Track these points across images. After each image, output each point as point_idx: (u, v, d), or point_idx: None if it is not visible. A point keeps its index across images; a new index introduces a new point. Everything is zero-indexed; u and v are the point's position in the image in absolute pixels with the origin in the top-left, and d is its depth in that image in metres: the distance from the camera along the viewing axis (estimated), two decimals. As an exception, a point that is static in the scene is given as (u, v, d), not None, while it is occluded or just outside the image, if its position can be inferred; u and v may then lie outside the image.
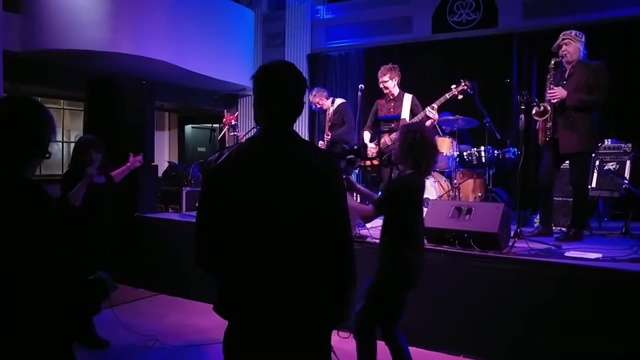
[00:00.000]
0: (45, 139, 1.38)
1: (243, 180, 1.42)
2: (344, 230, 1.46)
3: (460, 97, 4.28)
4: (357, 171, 4.70)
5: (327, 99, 5.31)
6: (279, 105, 1.47)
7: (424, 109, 4.23)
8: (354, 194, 3.04)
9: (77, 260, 1.32)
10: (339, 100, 5.34)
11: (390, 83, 4.36)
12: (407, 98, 4.34)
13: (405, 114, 4.27)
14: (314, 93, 5.31)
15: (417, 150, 2.27)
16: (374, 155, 4.31)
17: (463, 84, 4.22)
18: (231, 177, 1.43)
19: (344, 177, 2.41)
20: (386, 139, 4.24)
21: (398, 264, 2.28)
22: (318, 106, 5.33)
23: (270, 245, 1.40)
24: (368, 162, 4.36)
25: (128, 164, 3.78)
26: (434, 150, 2.36)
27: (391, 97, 4.32)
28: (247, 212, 1.41)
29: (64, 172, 3.51)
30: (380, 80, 4.38)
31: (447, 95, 4.22)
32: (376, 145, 4.31)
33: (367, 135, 4.46)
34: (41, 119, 1.38)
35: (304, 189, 1.41)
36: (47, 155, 1.39)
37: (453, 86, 4.25)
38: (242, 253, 1.42)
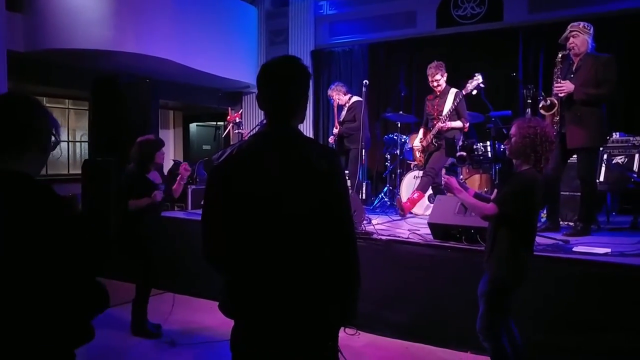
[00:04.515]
0: (40, 132, 1.28)
1: (244, 178, 1.41)
2: (347, 228, 1.45)
3: (474, 92, 4.25)
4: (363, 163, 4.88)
5: (345, 94, 5.39)
6: (278, 102, 1.46)
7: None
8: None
9: (85, 262, 1.26)
10: (355, 98, 5.37)
11: (442, 80, 4.41)
12: (452, 93, 4.37)
13: (446, 109, 4.32)
14: (332, 87, 5.45)
15: (539, 145, 2.19)
16: (421, 152, 4.49)
17: (475, 78, 4.17)
18: (233, 175, 1.43)
19: (452, 177, 2.41)
20: (429, 136, 4.38)
21: (515, 263, 2.24)
22: (335, 101, 5.40)
23: (273, 243, 1.39)
24: (414, 163, 4.59)
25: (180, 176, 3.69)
26: (552, 146, 2.28)
27: (438, 94, 4.35)
28: (249, 209, 1.40)
29: (126, 170, 3.47)
30: (432, 79, 4.41)
31: (463, 92, 4.25)
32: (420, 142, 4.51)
33: (422, 134, 4.61)
34: (36, 113, 1.29)
35: (305, 187, 1.39)
36: (47, 152, 1.31)
37: (468, 82, 4.27)
38: (245, 250, 1.41)
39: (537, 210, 2.34)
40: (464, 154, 2.56)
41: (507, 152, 2.35)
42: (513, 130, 2.29)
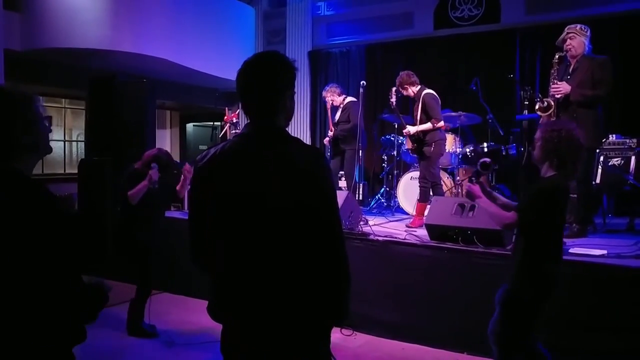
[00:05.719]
0: (22, 131, 1.25)
1: (227, 178, 1.39)
2: (335, 228, 1.42)
3: (393, 103, 4.52)
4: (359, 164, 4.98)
5: (340, 95, 5.37)
6: (257, 99, 1.43)
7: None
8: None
9: (70, 262, 1.25)
10: (349, 99, 5.37)
11: (409, 91, 4.48)
12: (421, 95, 4.39)
13: (419, 113, 4.42)
14: (327, 89, 5.45)
15: (563, 150, 2.06)
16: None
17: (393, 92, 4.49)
18: (216, 175, 1.41)
19: (475, 181, 2.31)
20: (408, 140, 4.58)
21: (535, 275, 2.10)
22: (329, 102, 5.40)
23: (259, 243, 1.37)
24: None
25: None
26: (581, 151, 2.13)
27: (416, 99, 4.44)
28: (234, 209, 1.38)
29: (130, 171, 3.47)
30: (402, 93, 4.58)
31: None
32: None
33: None
34: (14, 109, 1.25)
35: (289, 186, 1.37)
36: (36, 148, 1.28)
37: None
38: (232, 250, 1.40)
39: (561, 218, 2.14)
40: (488, 160, 2.45)
41: (532, 157, 2.24)
42: (537, 134, 2.17)
